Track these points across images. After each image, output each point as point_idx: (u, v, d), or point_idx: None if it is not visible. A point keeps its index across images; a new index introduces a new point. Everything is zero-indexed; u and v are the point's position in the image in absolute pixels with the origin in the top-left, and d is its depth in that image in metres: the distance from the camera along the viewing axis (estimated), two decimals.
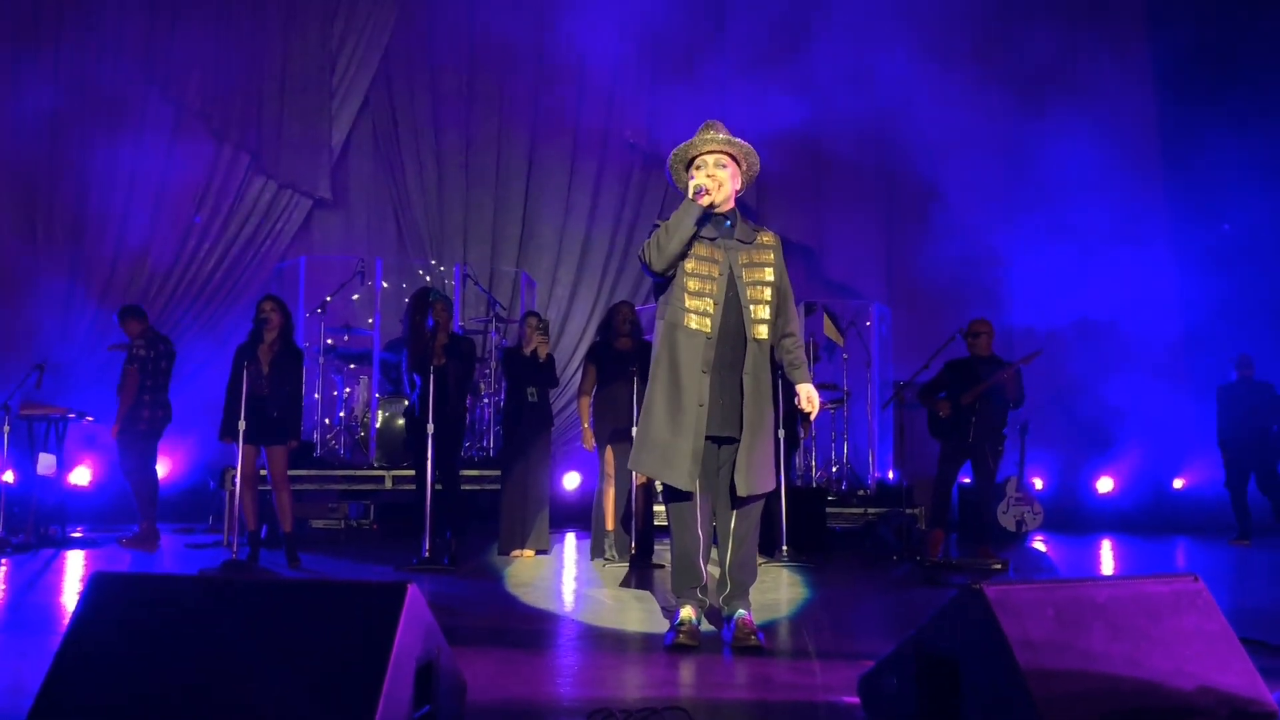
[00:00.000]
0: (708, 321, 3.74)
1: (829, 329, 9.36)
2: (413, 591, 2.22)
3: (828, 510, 8.07)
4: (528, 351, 7.08)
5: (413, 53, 10.87)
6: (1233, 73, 10.50)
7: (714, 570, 3.98)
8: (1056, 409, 10.06)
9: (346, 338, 9.63)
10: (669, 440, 3.71)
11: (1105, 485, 10.61)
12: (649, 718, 2.34)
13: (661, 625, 4.21)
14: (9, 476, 7.75)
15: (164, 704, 2.06)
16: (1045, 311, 9.85)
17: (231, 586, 2.27)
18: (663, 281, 3.82)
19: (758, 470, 3.79)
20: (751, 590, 3.92)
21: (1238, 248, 10.27)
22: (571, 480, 9.66)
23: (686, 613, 3.79)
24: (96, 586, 2.27)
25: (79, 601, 2.27)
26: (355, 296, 9.79)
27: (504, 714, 2.82)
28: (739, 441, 3.79)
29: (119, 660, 2.15)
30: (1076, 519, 10.18)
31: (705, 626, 3.94)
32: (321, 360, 9.23)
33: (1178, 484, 10.67)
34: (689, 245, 3.75)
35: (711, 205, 3.76)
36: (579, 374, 10.25)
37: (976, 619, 2.34)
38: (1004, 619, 2.29)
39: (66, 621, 4.22)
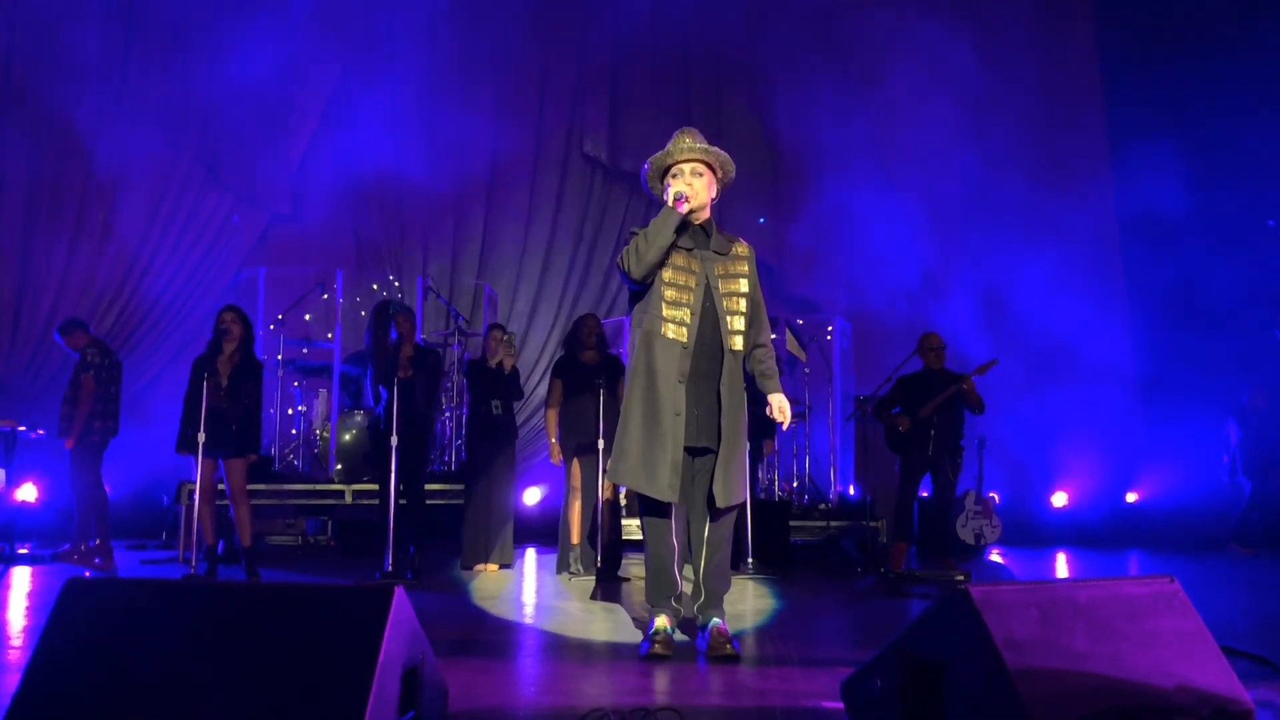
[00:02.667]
0: (685, 331, 3.74)
1: (791, 344, 9.41)
2: (399, 596, 2.19)
3: (790, 524, 8.09)
4: (493, 364, 7.04)
5: (372, 66, 10.79)
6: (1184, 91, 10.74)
7: (686, 586, 3.97)
8: (1011, 423, 10.19)
9: (305, 351, 9.50)
10: (648, 451, 3.70)
11: (1060, 499, 10.75)
12: (643, 718, 2.32)
13: (633, 636, 4.20)
14: None
15: (145, 711, 2.00)
16: (1001, 325, 10.00)
17: (213, 591, 2.21)
18: (640, 290, 3.82)
19: (734, 481, 3.80)
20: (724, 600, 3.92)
21: (1193, 258, 10.47)
22: (532, 495, 9.60)
23: (661, 622, 3.78)
24: (70, 593, 2.21)
25: (53, 609, 2.20)
26: (308, 316, 9.65)
27: None
28: (713, 452, 3.79)
29: (95, 668, 2.09)
30: (1032, 532, 10.29)
31: (679, 636, 3.93)
32: (280, 373, 9.09)
33: (1131, 498, 10.84)
34: (667, 254, 3.75)
35: (690, 213, 3.76)
36: (540, 387, 10.28)
37: (962, 620, 2.35)
38: (990, 620, 2.31)
39: (29, 634, 4.13)
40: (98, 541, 7.07)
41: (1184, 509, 10.26)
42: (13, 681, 3.12)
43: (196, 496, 6.12)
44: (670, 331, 3.73)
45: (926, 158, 10.32)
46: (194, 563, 6.21)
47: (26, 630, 4.35)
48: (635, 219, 10.80)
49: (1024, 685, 2.22)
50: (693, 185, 3.78)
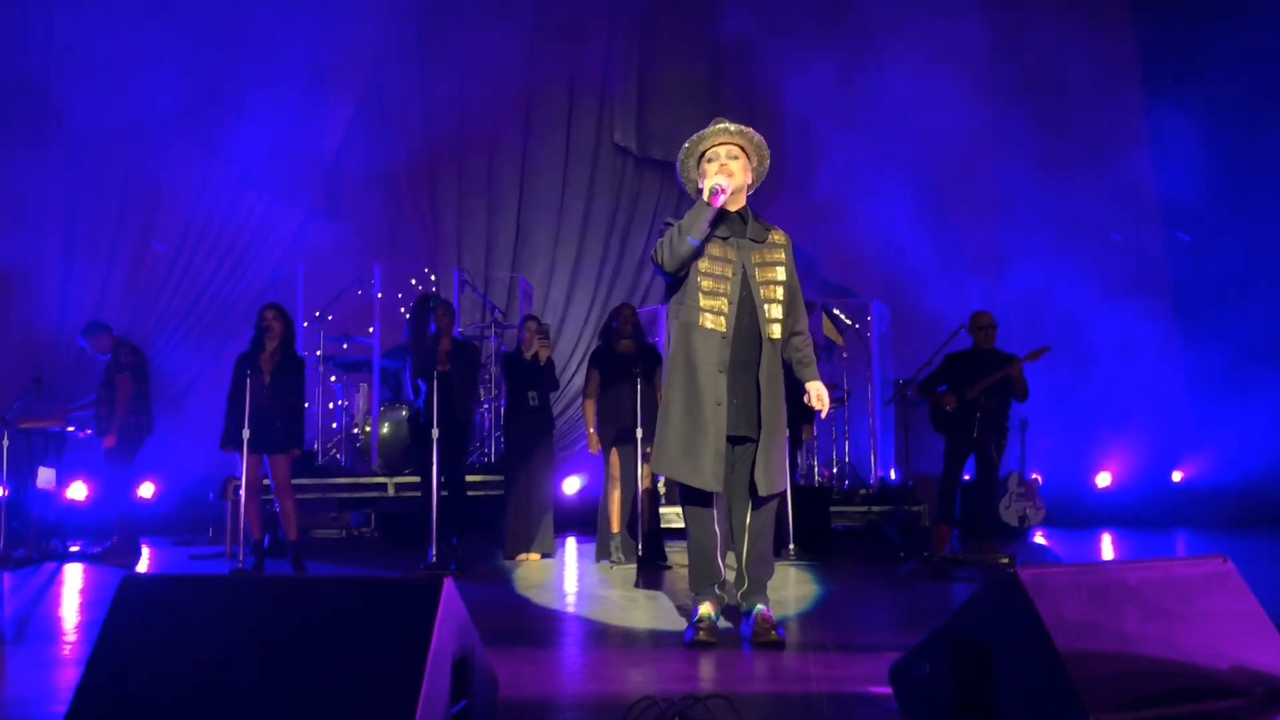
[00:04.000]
0: (723, 321, 3.73)
1: (828, 329, 9.37)
2: (449, 587, 2.21)
3: (831, 509, 8.07)
4: (528, 355, 7.07)
5: (405, 61, 10.85)
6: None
7: (728, 574, 3.97)
8: (1054, 404, 10.08)
9: (345, 346, 9.59)
10: (690, 442, 3.70)
11: (1104, 480, 10.62)
12: (693, 705, 2.33)
13: (676, 623, 4.21)
14: None
15: (201, 704, 2.04)
16: (1043, 304, 9.89)
17: (267, 585, 2.25)
18: (675, 281, 3.81)
19: (775, 470, 3.79)
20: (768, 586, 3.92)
21: (1232, 231, 10.27)
22: (571, 485, 9.63)
23: (705, 609, 3.78)
24: (127, 589, 2.25)
25: (110, 606, 2.25)
26: (322, 315, 9.72)
27: (536, 709, 2.81)
28: (753, 441, 3.78)
29: (154, 662, 2.13)
30: (1076, 514, 10.18)
31: (723, 623, 3.93)
32: (321, 369, 9.19)
33: (1176, 477, 10.69)
34: (703, 243, 3.73)
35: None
36: (577, 378, 10.31)
37: (1011, 604, 2.33)
38: (1040, 603, 2.29)
39: (82, 630, 4.22)
40: (115, 540, 7.15)
41: (1231, 487, 10.10)
42: (70, 676, 3.19)
43: (242, 492, 6.21)
44: (708, 321, 3.72)
45: (965, 142, 10.20)
46: (241, 557, 6.30)
47: (80, 627, 4.44)
48: (667, 208, 10.80)
49: (1076, 668, 2.21)
50: (728, 167, 3.75)
